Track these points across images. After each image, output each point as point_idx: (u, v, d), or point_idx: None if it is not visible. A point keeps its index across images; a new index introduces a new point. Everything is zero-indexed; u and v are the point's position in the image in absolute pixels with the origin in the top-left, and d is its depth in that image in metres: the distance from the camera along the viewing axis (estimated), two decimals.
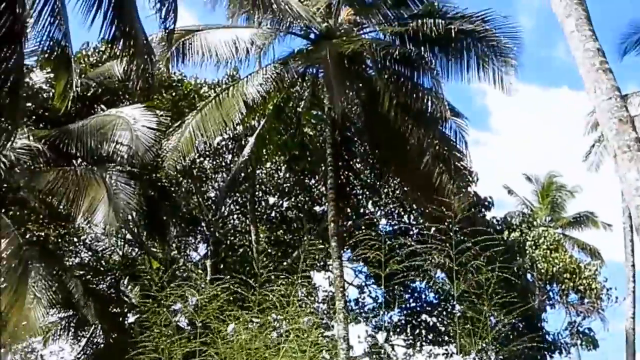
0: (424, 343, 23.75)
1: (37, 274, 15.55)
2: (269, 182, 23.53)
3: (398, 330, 23.64)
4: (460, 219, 8.55)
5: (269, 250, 22.82)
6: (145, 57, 11.71)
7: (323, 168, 19.49)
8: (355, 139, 21.37)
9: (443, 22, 16.19)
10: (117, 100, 17.90)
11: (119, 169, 16.52)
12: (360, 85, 18.82)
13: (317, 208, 23.57)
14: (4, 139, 11.99)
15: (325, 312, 22.51)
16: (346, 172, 21.36)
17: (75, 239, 20.66)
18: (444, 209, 11.85)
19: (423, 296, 23.92)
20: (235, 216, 24.54)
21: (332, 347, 11.90)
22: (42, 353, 23.43)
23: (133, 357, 8.34)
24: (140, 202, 17.21)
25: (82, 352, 20.91)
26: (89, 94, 17.01)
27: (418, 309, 23.89)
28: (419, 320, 23.79)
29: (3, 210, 15.64)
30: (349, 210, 22.21)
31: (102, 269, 21.77)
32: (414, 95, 17.11)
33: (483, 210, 22.94)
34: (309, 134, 21.44)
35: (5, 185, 15.49)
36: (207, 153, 21.64)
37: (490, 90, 21.75)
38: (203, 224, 23.05)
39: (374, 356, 24.02)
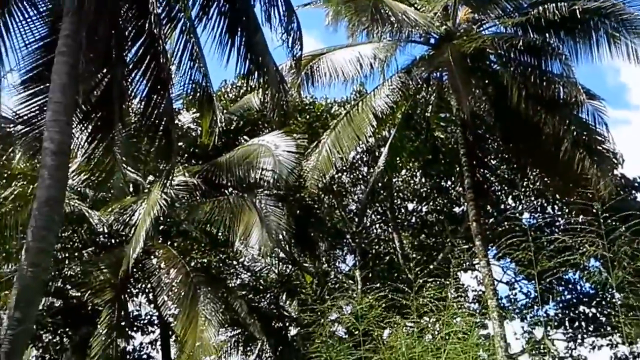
0: (584, 335, 22.24)
1: (205, 297, 16.27)
2: (406, 189, 23.23)
3: (556, 324, 22.30)
4: (608, 204, 7.85)
5: (414, 256, 22.46)
6: (278, 85, 11.93)
7: (458, 169, 18.95)
8: (487, 135, 20.61)
9: (565, 4, 15.25)
10: (258, 130, 18.49)
11: (266, 193, 17.09)
12: (487, 81, 18.13)
13: (456, 209, 22.92)
14: (164, 178, 12.75)
15: (477, 311, 21.73)
16: (482, 170, 20.62)
17: (235, 262, 21.48)
18: (590, 196, 11.04)
19: (578, 287, 22.42)
20: (377, 225, 24.44)
21: (490, 346, 11.42)
22: None
23: None
24: (289, 222, 17.62)
25: None
26: (232, 127, 17.74)
27: (574, 300, 22.40)
28: (576, 312, 22.31)
29: (169, 243, 16.59)
30: (489, 207, 21.44)
31: (261, 287, 22.44)
32: (544, 84, 16.19)
33: (633, 192, 21.21)
34: (440, 137, 20.95)
35: (169, 219, 16.45)
36: (344, 168, 21.75)
37: (624, 66, 20.10)
38: (348, 236, 23.15)
39: (534, 352, 22.83)
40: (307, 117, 19.19)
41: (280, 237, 18.23)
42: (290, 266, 23.19)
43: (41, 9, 10.05)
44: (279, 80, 11.88)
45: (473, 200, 16.61)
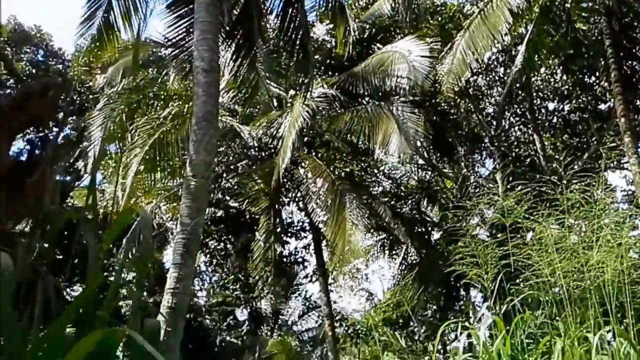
0: None
1: (351, 204, 16.63)
2: (545, 87, 21.87)
3: None
4: None
5: (556, 157, 21.35)
6: None
7: (603, 62, 17.44)
8: (635, 23, 18.69)
9: None
10: (390, 36, 18.03)
11: (402, 100, 16.81)
12: None
13: (601, 106, 21.33)
14: (304, 91, 12.95)
15: (627, 211, 20.46)
16: (630, 62, 18.87)
17: (376, 170, 21.66)
18: None
19: None
20: (516, 128, 23.43)
21: None
22: (365, 272, 25.37)
23: (446, 267, 8.35)
24: (427, 128, 17.30)
25: (398, 268, 22.10)
26: (364, 36, 17.42)
27: None
28: None
29: (314, 153, 16.98)
30: (638, 102, 19.72)
31: (402, 194, 22.54)
32: None
33: None
34: (582, 29, 19.27)
35: (312, 131, 16.77)
36: (480, 70, 20.81)
37: None
38: (486, 140, 22.43)
39: None
40: (439, 19, 18.35)
41: (419, 143, 18.00)
42: (429, 172, 23.02)
43: None
44: None
45: (621, 94, 15.31)
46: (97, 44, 10.01)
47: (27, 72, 23.81)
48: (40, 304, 2.73)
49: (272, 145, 16.57)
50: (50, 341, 2.63)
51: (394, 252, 22.42)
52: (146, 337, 2.48)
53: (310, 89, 12.84)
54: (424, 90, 16.92)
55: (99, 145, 11.08)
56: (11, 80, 20.99)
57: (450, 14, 18.50)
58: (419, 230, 22.33)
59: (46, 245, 3.41)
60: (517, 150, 22.99)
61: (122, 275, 3.04)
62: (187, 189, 7.99)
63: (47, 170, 3.93)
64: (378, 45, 17.78)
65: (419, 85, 15.93)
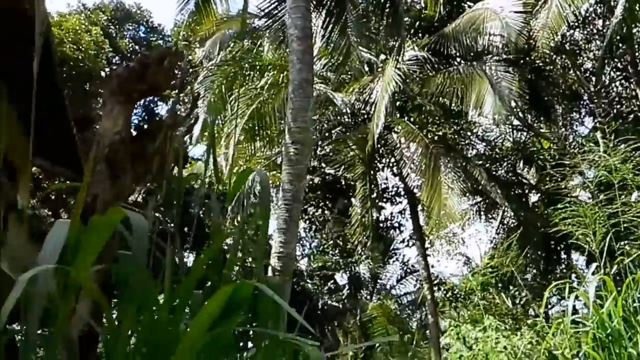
0: None
1: (446, 167, 16.33)
2: None
3: None
4: None
5: None
6: None
7: None
8: None
9: None
10: None
11: (495, 59, 16.19)
12: None
13: None
14: (396, 54, 12.73)
15: None
16: None
17: (469, 133, 21.09)
18: None
19: None
20: (617, 83, 22.01)
21: None
22: (462, 236, 24.96)
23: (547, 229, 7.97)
24: (522, 87, 16.61)
25: (495, 232, 21.58)
26: None
27: None
28: None
29: (406, 117, 16.74)
30: None
31: (497, 156, 21.86)
32: None
33: None
34: None
35: (403, 95, 16.50)
36: (577, 23, 19.64)
37: None
38: (585, 97, 21.27)
39: None
40: None
41: (513, 103, 17.33)
42: (525, 133, 22.16)
43: None
44: None
45: None
46: (195, 17, 10.24)
47: (130, 48, 24.86)
48: (170, 264, 2.84)
49: (364, 111, 16.45)
50: (181, 297, 2.74)
51: (490, 215, 21.87)
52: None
53: (402, 52, 12.60)
54: (518, 48, 16.18)
55: (204, 116, 11.42)
56: (116, 57, 22.01)
57: None
58: (516, 192, 21.62)
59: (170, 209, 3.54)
60: (618, 106, 21.64)
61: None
62: (287, 156, 8.11)
63: (168, 137, 4.07)
64: (469, 3, 17.13)
65: (512, 43, 15.27)
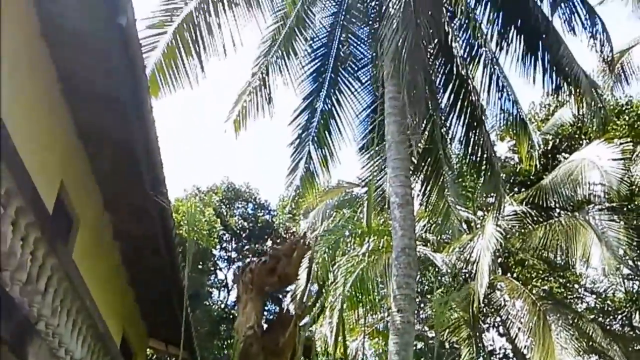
0: None
1: (557, 325, 15.38)
2: None
3: None
4: None
5: None
6: (592, 93, 11.15)
7: None
8: None
9: None
10: (575, 143, 17.35)
11: (599, 208, 15.81)
12: None
13: None
14: (496, 211, 12.64)
15: None
16: None
17: (577, 285, 20.11)
18: None
19: None
20: None
21: None
22: None
23: None
24: (629, 235, 15.97)
25: None
26: (549, 147, 16.96)
27: None
28: None
29: (508, 274, 16.23)
30: None
31: (609, 309, 20.54)
32: None
33: None
34: None
35: (505, 251, 16.15)
36: None
37: None
38: None
39: None
40: (627, 118, 17.42)
41: (622, 252, 16.58)
42: (638, 282, 20.89)
43: (363, 80, 11.03)
44: (591, 87, 11.12)
45: None
46: (300, 191, 10.77)
47: (239, 225, 26.43)
48: None
49: (466, 270, 16.12)
50: None
51: None
52: None
53: (501, 209, 12.55)
54: (621, 195, 15.81)
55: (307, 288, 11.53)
56: (227, 235, 23.22)
57: (638, 111, 17.54)
58: (635, 348, 19.92)
59: None
60: None
61: None
62: (394, 325, 7.91)
63: (297, 327, 4.10)
64: (564, 154, 17.17)
65: (614, 191, 14.98)
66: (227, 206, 27.42)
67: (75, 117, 5.96)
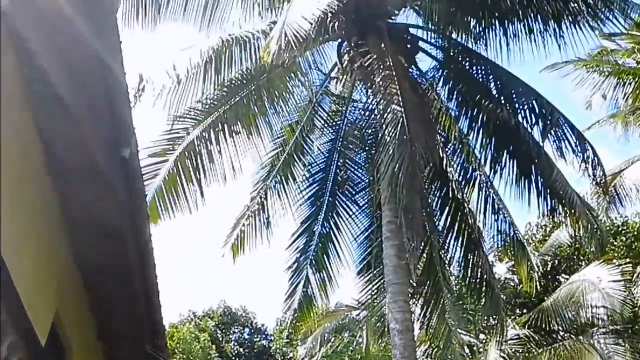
0: None
1: None
2: None
3: None
4: None
5: None
6: (588, 215, 11.28)
7: None
8: None
9: None
10: (574, 264, 17.30)
11: (603, 332, 15.51)
12: None
13: None
14: (499, 335, 12.39)
15: None
16: None
17: None
18: None
19: None
20: None
21: None
22: None
23: None
24: (636, 358, 15.55)
25: None
26: (548, 269, 16.90)
27: None
28: None
29: None
30: None
31: None
32: None
33: None
34: None
35: None
36: None
37: None
38: None
39: None
40: (624, 239, 17.49)
41: None
42: None
43: (361, 204, 11.17)
44: (586, 210, 11.25)
45: None
46: (298, 315, 10.59)
47: (235, 352, 25.77)
48: None
49: None
50: None
51: None
52: None
53: (503, 332, 12.30)
54: (624, 318, 15.55)
55: None
56: None
57: (635, 232, 17.62)
58: None
59: None
60: None
61: None
62: None
63: None
64: (564, 275, 17.07)
65: (617, 313, 14.78)
66: (223, 331, 26.87)
67: (73, 245, 5.94)
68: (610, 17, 9.80)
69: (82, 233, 5.75)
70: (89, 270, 6.08)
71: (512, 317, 15.58)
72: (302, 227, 11.38)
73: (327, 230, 11.35)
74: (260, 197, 11.03)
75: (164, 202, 9.22)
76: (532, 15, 9.89)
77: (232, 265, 11.00)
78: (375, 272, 10.54)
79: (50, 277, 5.37)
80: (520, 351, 15.10)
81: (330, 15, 8.44)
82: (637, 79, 14.71)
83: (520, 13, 9.95)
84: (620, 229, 17.63)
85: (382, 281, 10.11)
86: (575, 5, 9.65)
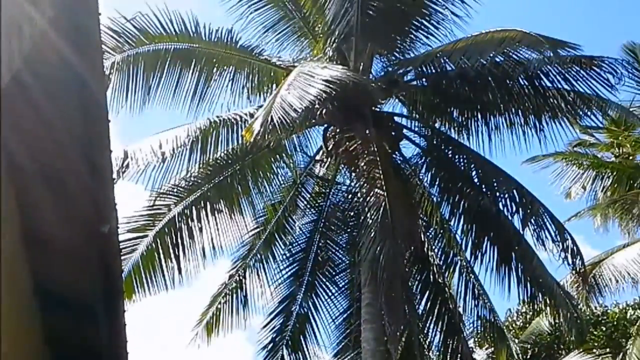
0: None
1: None
2: None
3: None
4: None
5: None
6: (567, 304, 11.25)
7: None
8: None
9: None
10: (554, 353, 17.01)
11: None
12: None
13: None
14: None
15: None
16: None
17: None
18: None
19: None
20: None
21: None
22: None
23: None
24: None
25: None
26: (527, 357, 16.61)
27: None
28: None
29: None
30: None
31: None
32: None
33: None
34: None
35: None
36: None
37: None
38: None
39: None
40: (604, 329, 17.32)
41: None
42: None
43: (340, 285, 11.05)
44: (566, 299, 11.23)
45: None
46: None
47: None
48: None
49: None
50: None
51: None
52: None
53: None
54: None
55: None
56: None
57: (614, 322, 17.48)
58: None
59: None
60: None
61: None
62: None
63: None
64: None
65: None
66: None
67: (43, 321, 5.71)
68: (589, 113, 10.10)
69: (53, 308, 5.57)
70: (59, 348, 5.86)
71: None
72: (280, 306, 11.19)
73: (305, 310, 11.17)
74: (239, 275, 10.88)
75: (140, 279, 9.05)
76: (513, 109, 10.18)
77: (205, 346, 10.70)
78: (352, 354, 10.31)
79: (21, 354, 5.15)
80: None
81: (317, 103, 8.60)
82: (615, 173, 15.02)
83: (502, 107, 10.23)
84: (600, 319, 17.49)
85: None
86: (555, 101, 9.94)
